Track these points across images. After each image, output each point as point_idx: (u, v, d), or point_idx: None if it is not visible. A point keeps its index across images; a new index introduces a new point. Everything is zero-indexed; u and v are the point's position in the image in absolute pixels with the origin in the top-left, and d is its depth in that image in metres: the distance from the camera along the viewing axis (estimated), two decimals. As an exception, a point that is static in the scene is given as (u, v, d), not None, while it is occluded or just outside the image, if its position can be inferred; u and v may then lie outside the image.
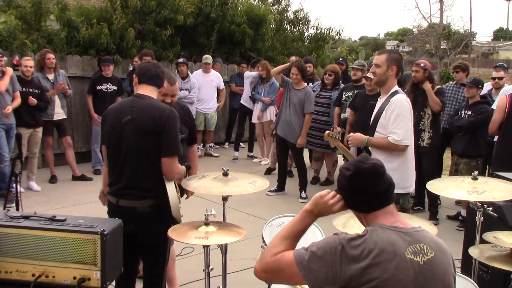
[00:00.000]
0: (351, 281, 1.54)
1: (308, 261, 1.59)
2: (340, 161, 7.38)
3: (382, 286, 1.53)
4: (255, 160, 8.54)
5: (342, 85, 6.90)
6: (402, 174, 3.41)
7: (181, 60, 8.19)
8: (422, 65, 5.58)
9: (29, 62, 6.28)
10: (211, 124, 8.61)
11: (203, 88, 8.31)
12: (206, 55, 8.62)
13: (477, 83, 5.47)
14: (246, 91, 8.40)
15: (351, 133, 3.73)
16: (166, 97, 3.00)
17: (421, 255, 1.59)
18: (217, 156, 8.87)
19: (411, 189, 3.56)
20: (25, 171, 6.23)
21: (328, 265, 1.57)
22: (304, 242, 2.88)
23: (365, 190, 1.69)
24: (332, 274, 1.56)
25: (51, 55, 6.63)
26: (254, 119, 8.23)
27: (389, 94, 3.46)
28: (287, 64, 6.52)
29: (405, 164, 3.45)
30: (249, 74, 8.33)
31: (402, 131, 3.34)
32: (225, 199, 2.81)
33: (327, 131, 3.82)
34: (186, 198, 3.31)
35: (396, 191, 3.19)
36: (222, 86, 8.72)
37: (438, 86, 5.69)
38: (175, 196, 2.74)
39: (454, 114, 5.64)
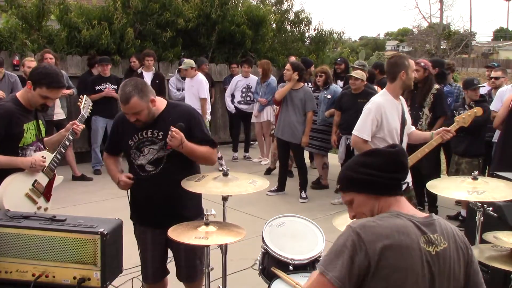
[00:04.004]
0: (369, 266, 1.53)
1: (328, 263, 1.58)
2: (333, 164, 7.18)
3: (393, 273, 1.53)
4: (255, 160, 8.54)
5: (333, 85, 6.90)
6: None
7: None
8: (422, 64, 5.57)
9: (32, 63, 6.28)
10: None
11: (186, 94, 7.61)
12: (185, 60, 7.63)
13: (479, 84, 5.55)
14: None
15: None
16: (132, 116, 2.74)
17: (434, 246, 1.60)
18: None
19: None
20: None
21: (346, 258, 1.55)
22: (305, 241, 2.89)
23: (401, 170, 1.72)
24: (353, 265, 1.54)
25: (49, 55, 6.62)
26: (253, 118, 8.24)
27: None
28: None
29: None
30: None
31: None
32: (225, 199, 2.81)
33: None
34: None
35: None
36: (202, 94, 7.38)
37: (437, 87, 5.67)
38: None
39: (451, 115, 5.63)
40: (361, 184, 1.72)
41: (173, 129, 2.66)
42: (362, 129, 3.55)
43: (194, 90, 7.39)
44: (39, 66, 3.14)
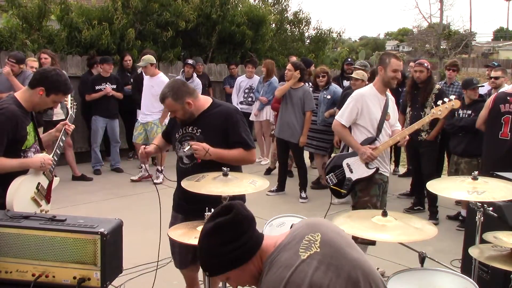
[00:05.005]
0: None
1: None
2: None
3: None
4: (255, 160, 8.52)
5: (333, 85, 6.87)
6: None
7: (190, 61, 8.17)
8: (425, 65, 5.59)
9: (34, 63, 6.27)
10: (151, 139, 6.62)
11: (143, 93, 6.95)
12: (144, 57, 6.72)
13: (478, 83, 5.56)
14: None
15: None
16: (171, 113, 3.04)
17: (312, 244, 1.54)
18: (160, 183, 6.01)
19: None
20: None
21: None
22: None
23: (251, 221, 1.62)
24: None
25: (44, 55, 6.60)
26: (252, 117, 8.19)
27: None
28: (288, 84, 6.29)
29: None
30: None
31: None
32: (225, 199, 2.81)
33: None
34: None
35: None
36: None
37: (438, 87, 5.67)
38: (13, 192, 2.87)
39: (451, 116, 5.61)
40: (230, 263, 1.61)
41: (191, 143, 2.88)
42: (342, 115, 3.90)
43: (154, 91, 6.48)
44: (49, 72, 3.01)
